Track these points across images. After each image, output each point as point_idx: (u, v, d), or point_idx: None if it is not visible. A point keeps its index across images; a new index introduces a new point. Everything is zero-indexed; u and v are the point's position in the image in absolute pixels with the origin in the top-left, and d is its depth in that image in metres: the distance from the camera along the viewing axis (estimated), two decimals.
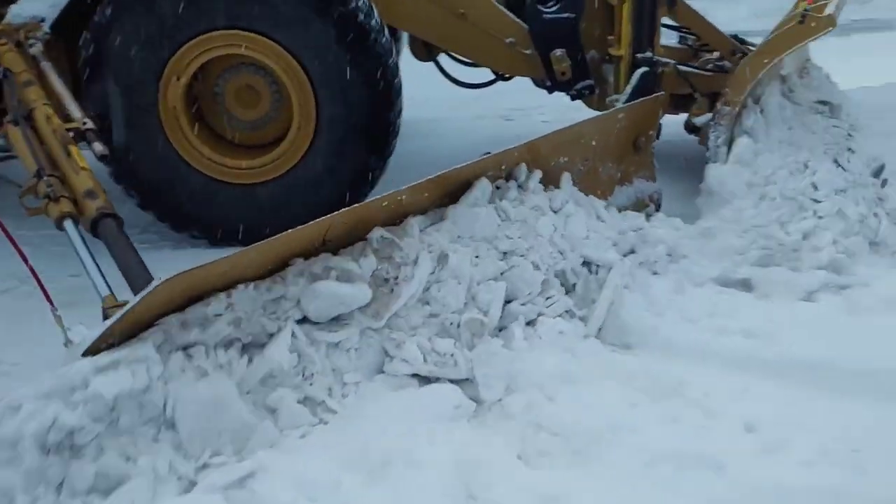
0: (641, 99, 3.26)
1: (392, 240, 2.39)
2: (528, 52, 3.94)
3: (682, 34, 4.54)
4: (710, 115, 3.65)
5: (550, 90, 4.27)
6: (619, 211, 3.28)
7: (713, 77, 4.08)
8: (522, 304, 2.55)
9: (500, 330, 2.47)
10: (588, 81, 3.98)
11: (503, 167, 2.72)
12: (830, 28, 2.99)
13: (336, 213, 2.19)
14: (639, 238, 3.02)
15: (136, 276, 2.23)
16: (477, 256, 2.55)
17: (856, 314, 2.68)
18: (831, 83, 3.88)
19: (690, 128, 3.79)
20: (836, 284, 2.81)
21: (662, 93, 3.35)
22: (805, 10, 3.04)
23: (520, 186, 2.82)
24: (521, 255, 2.64)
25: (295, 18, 3.20)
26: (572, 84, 3.98)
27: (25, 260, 1.93)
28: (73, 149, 2.64)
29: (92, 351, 1.63)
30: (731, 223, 3.01)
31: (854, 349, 2.45)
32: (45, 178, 2.46)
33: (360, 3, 3.28)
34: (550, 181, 2.88)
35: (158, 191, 3.45)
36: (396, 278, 2.34)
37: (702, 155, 3.47)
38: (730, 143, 3.19)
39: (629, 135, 3.33)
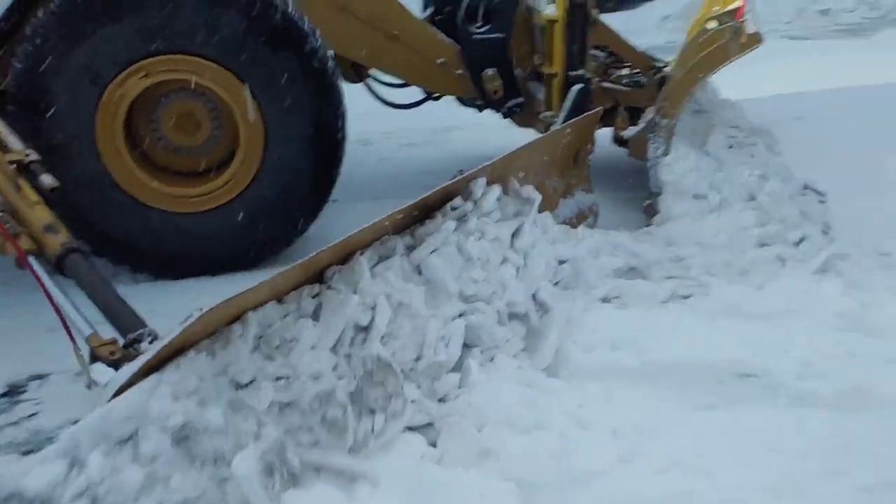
0: (585, 114, 3.38)
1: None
2: (459, 71, 4.02)
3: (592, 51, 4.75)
4: (638, 128, 3.85)
5: (480, 108, 4.37)
6: (563, 223, 3.37)
7: (631, 92, 4.31)
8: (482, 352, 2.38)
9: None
10: (518, 99, 4.11)
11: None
12: (758, 45, 3.23)
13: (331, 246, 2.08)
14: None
15: (119, 312, 2.11)
16: (434, 298, 2.38)
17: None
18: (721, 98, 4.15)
19: (619, 140, 3.96)
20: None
21: (600, 108, 3.49)
22: (734, 26, 3.26)
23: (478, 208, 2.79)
24: (483, 301, 2.48)
25: (243, 44, 3.14)
26: (503, 102, 4.10)
27: (51, 299, 1.80)
28: (22, 182, 2.47)
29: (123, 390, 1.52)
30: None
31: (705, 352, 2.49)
32: None
33: (308, 28, 3.25)
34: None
35: (91, 221, 3.26)
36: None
37: (622, 165, 3.63)
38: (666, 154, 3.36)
39: (572, 149, 3.45)
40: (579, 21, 3.69)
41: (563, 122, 3.53)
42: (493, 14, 3.95)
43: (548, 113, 3.92)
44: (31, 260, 2.26)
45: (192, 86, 3.22)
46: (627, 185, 4.12)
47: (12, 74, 3.07)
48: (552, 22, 3.77)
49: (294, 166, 3.37)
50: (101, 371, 1.64)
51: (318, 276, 2.11)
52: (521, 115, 4.23)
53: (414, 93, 4.44)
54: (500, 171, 2.82)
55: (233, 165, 3.33)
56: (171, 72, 3.18)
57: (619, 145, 4.00)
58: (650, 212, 3.44)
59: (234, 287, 1.74)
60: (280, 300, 1.97)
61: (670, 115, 3.37)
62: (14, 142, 2.69)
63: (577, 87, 3.68)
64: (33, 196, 2.44)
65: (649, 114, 3.82)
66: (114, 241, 3.31)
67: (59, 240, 2.31)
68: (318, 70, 3.26)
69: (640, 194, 4.04)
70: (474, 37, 3.96)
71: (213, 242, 3.39)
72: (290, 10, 3.19)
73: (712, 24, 3.64)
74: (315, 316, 2.01)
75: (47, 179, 2.56)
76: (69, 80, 3.12)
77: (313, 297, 2.06)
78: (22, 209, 2.38)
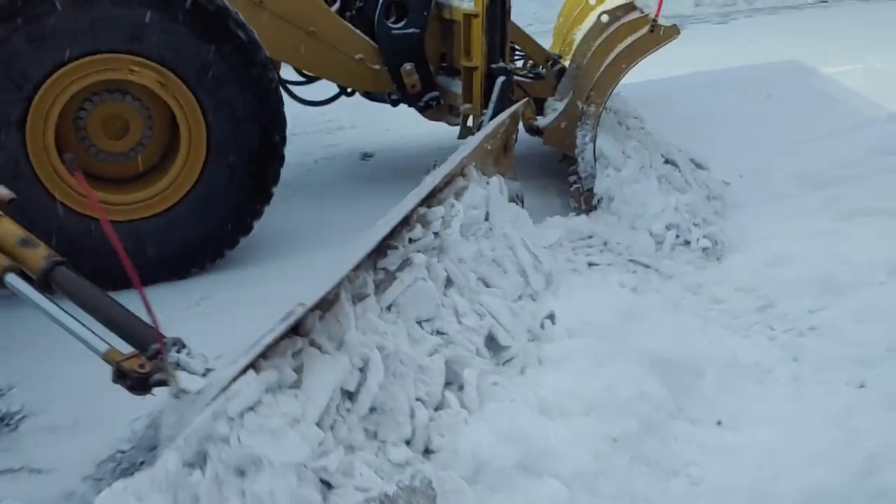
0: (519, 103, 3.54)
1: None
2: (375, 67, 4.06)
3: None
4: (551, 118, 4.05)
5: (395, 104, 4.43)
6: None
7: (534, 83, 4.52)
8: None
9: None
10: (434, 93, 4.20)
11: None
12: (676, 36, 3.52)
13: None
14: None
15: (126, 323, 2.00)
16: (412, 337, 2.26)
17: None
18: None
19: (533, 130, 4.16)
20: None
21: (528, 98, 3.67)
22: (654, 20, 3.53)
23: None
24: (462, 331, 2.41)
25: (186, 44, 3.02)
26: (420, 96, 4.18)
27: (149, 309, 1.68)
28: None
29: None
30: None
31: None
32: None
33: (248, 30, 3.18)
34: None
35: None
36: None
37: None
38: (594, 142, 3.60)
39: (504, 139, 3.60)
40: (499, 14, 3.83)
41: (493, 114, 3.66)
42: (408, 9, 4.02)
43: (467, 105, 4.04)
44: (11, 277, 2.10)
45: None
46: (537, 173, 4.38)
47: None
48: (470, 16, 3.89)
49: (235, 165, 3.29)
50: (190, 380, 1.56)
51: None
52: (434, 109, 4.33)
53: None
54: (473, 163, 2.92)
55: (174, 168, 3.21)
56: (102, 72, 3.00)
57: (533, 134, 4.19)
58: (582, 197, 3.66)
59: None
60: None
61: (598, 103, 3.59)
62: None
63: (501, 78, 3.83)
64: None
65: (554, 103, 4.06)
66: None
67: (40, 253, 2.15)
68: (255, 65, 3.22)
69: (552, 181, 4.32)
70: (392, 32, 4.01)
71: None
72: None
73: (604, 18, 3.94)
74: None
75: (3, 191, 2.37)
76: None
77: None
78: None
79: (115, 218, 3.16)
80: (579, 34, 4.25)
